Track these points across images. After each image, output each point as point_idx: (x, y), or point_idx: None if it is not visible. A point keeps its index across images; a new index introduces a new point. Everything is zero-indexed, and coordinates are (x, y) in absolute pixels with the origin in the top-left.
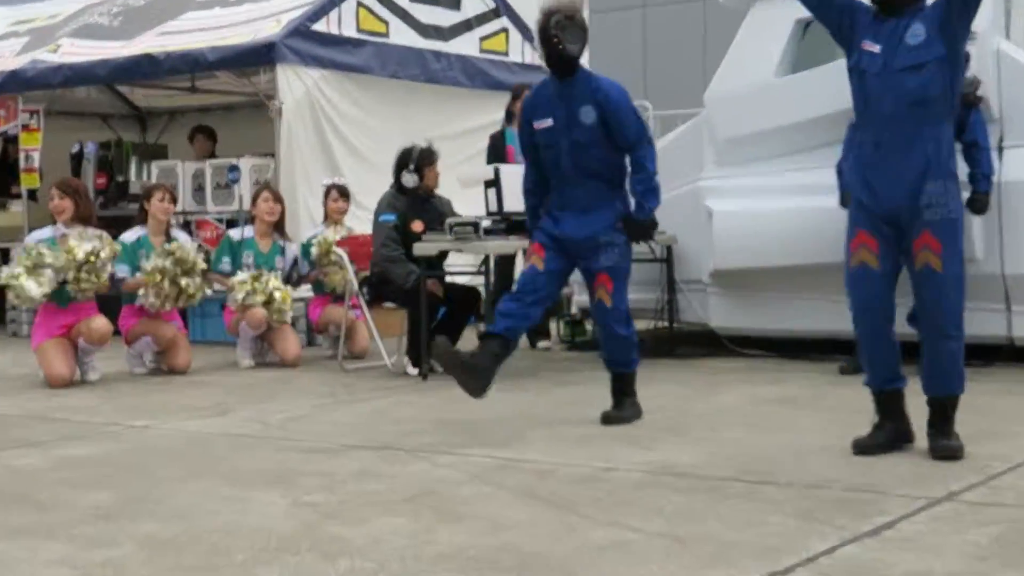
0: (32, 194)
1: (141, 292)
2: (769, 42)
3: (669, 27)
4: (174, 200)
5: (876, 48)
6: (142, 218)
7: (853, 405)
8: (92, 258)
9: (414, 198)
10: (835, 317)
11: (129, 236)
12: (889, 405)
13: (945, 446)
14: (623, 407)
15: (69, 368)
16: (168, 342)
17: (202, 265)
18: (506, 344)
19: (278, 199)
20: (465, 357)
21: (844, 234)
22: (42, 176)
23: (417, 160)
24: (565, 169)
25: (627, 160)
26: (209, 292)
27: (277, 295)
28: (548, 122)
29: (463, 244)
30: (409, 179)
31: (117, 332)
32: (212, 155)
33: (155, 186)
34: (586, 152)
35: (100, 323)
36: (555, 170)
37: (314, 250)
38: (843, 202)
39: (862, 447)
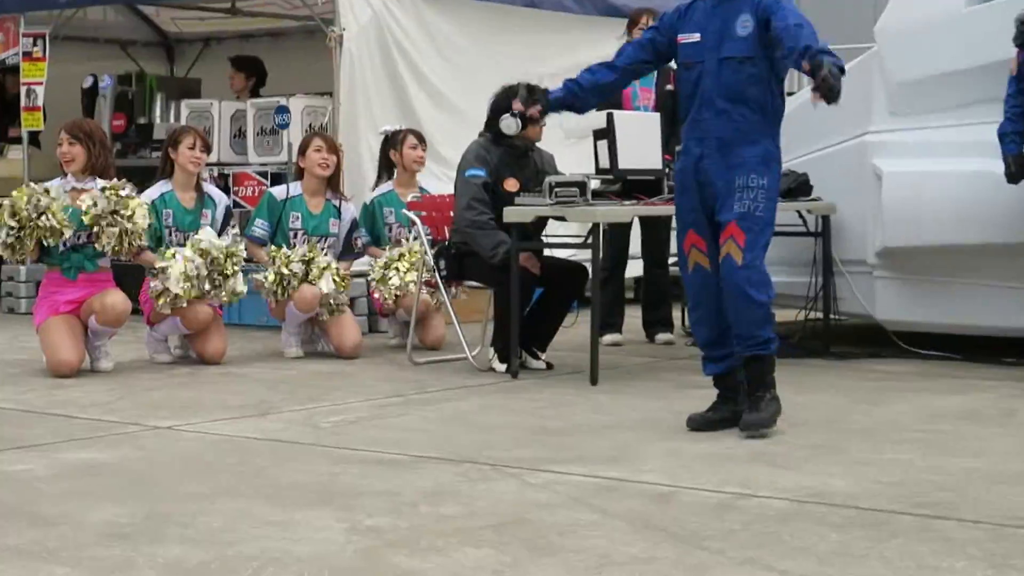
0: (34, 138)
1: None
2: None
3: None
4: (207, 148)
5: None
6: (167, 170)
7: None
8: (124, 210)
9: (510, 150)
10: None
11: (151, 193)
12: None
13: None
14: (760, 405)
15: (78, 353)
16: (199, 324)
17: (241, 254)
18: (729, 375)
19: (333, 148)
20: (716, 416)
21: None
22: (47, 116)
23: (524, 101)
24: (707, 92)
25: (781, 88)
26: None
27: (327, 282)
28: (696, 36)
29: (566, 210)
30: (510, 124)
31: (137, 310)
32: (255, 94)
33: (184, 130)
34: (736, 72)
35: (116, 299)
36: (694, 96)
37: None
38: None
39: None
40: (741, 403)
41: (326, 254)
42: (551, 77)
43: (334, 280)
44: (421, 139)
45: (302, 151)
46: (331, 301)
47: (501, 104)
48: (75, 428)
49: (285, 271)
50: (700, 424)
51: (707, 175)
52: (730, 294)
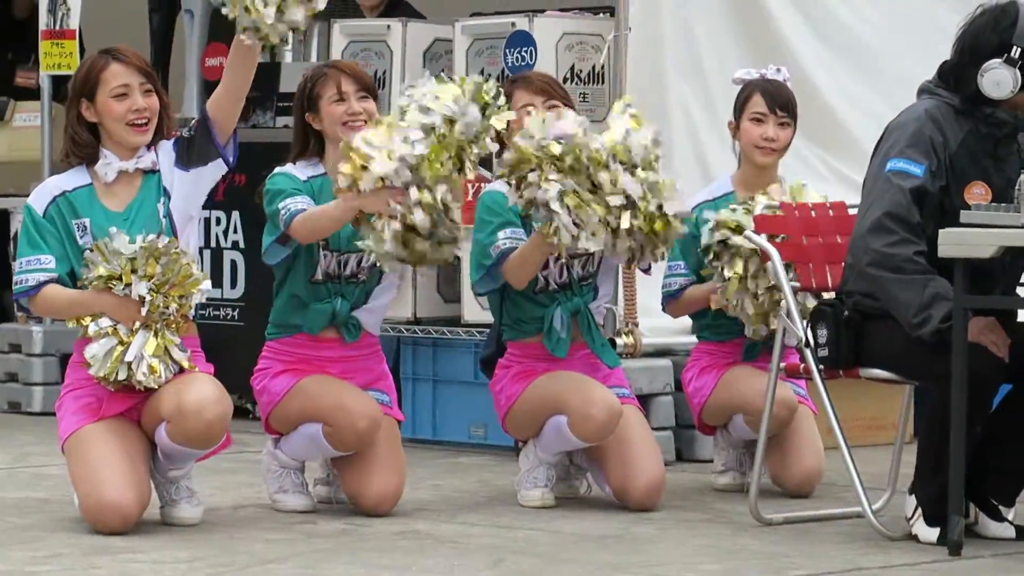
0: (58, 88)
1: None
2: None
3: None
4: (370, 92)
5: None
6: (310, 146)
7: None
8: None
9: (983, 130)
10: None
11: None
12: None
13: None
14: None
15: (136, 491)
16: (353, 438)
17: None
18: None
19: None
20: None
21: None
22: (83, 49)
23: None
24: None
25: None
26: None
27: None
28: None
29: None
30: (1003, 80)
31: (245, 410)
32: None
33: (322, 74)
34: None
35: (207, 391)
36: None
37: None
38: None
39: None
40: None
41: None
42: None
43: None
44: (779, 103)
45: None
46: None
47: (984, 43)
48: None
49: None
50: None
51: None
52: None
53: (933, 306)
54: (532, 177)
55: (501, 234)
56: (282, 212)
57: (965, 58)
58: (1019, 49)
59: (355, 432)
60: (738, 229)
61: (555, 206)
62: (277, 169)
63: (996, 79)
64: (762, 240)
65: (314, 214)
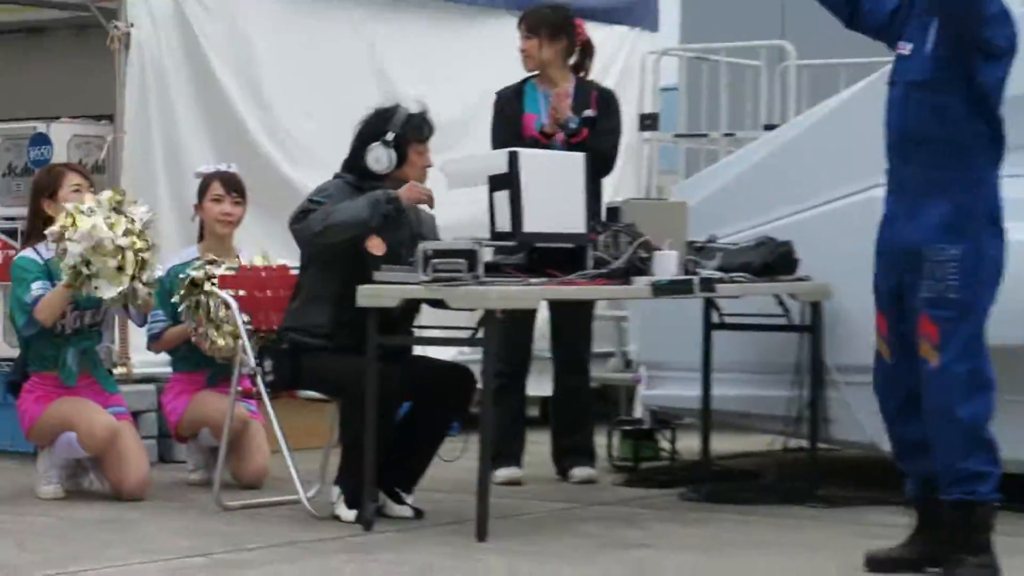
0: None
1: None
2: None
3: None
4: None
5: None
6: None
7: None
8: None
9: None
10: None
11: None
12: None
13: None
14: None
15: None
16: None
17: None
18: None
19: (85, 175)
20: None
21: None
22: None
23: (402, 129)
24: (894, 131)
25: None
26: None
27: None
28: (908, 48)
29: (447, 290)
30: (380, 157)
31: None
32: None
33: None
34: (920, 102)
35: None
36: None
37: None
38: None
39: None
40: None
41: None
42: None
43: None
44: (233, 186)
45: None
46: None
47: (372, 129)
48: None
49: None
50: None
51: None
52: (927, 412)
53: (377, 204)
54: (66, 244)
55: (34, 286)
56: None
57: (357, 143)
58: (393, 135)
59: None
60: (201, 283)
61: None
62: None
63: (376, 156)
64: (224, 294)
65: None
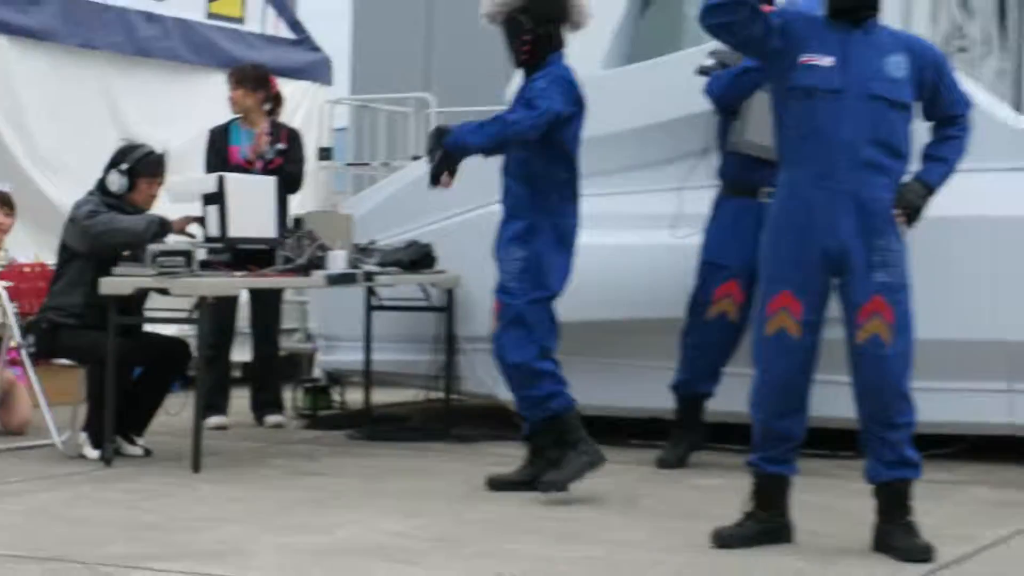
0: None
1: None
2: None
3: (460, 5)
4: None
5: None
6: None
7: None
8: None
9: (119, 212)
10: (655, 391)
11: None
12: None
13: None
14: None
15: None
16: None
17: None
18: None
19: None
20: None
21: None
22: None
23: (135, 163)
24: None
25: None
26: None
27: None
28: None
29: (169, 281)
30: (114, 181)
31: None
32: None
33: None
34: None
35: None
36: None
37: None
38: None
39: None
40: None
41: None
42: (160, 125)
43: None
44: (5, 201)
45: None
46: None
47: (115, 159)
48: None
49: None
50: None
51: None
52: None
53: (151, 224)
54: None
55: None
56: None
57: (105, 168)
58: (127, 166)
59: None
60: None
61: None
62: None
63: (112, 180)
64: None
65: None
